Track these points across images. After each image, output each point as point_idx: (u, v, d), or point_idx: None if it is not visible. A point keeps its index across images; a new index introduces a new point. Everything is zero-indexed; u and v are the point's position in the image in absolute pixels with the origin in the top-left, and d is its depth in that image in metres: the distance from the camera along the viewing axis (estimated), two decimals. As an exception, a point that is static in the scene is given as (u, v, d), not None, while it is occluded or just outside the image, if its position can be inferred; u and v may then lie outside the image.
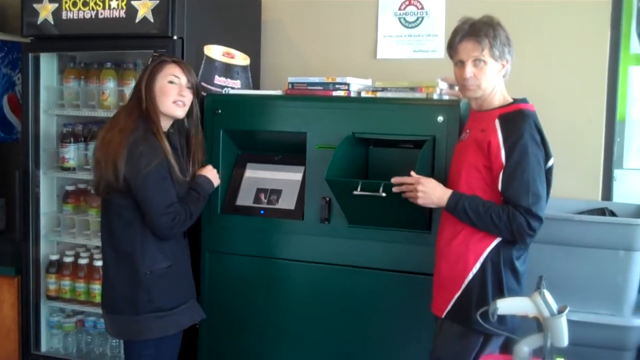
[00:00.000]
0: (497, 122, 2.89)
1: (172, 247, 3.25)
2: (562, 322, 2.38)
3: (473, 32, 2.93)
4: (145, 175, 3.07)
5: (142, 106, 3.18)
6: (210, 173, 3.47)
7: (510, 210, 2.82)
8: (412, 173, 3.07)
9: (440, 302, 3.05)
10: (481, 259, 2.91)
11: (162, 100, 3.21)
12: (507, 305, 2.53)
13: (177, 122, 3.32)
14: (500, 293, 2.87)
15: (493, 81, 2.96)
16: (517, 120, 2.88)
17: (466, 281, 2.94)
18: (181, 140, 3.34)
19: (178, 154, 3.28)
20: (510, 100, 3.01)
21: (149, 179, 3.08)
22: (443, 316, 3.02)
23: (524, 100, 3.00)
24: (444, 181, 3.12)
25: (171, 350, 3.30)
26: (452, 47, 3.03)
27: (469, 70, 2.94)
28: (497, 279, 2.90)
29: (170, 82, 3.22)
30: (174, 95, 3.22)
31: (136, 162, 3.07)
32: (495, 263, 2.90)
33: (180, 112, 3.27)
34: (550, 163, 2.92)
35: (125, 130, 3.12)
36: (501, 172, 2.85)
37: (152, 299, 3.18)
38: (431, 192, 3.01)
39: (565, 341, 2.38)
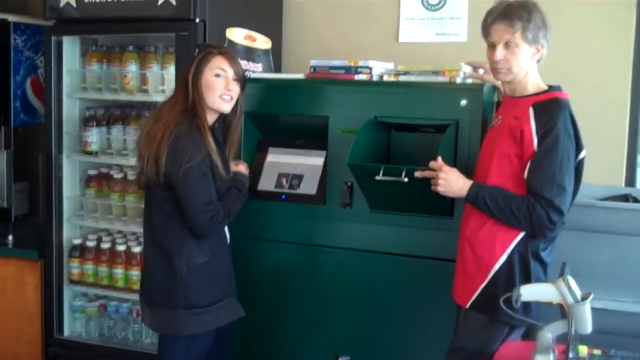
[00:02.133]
0: (531, 110, 2.84)
1: (212, 242, 3.22)
2: (586, 309, 2.37)
3: (506, 13, 2.87)
4: (186, 170, 3.03)
5: (187, 100, 3.14)
6: (241, 167, 3.44)
7: (530, 202, 2.78)
8: (439, 158, 3.03)
9: (464, 292, 3.03)
10: (509, 250, 2.88)
11: (209, 94, 3.16)
12: (530, 292, 2.52)
13: (221, 115, 3.28)
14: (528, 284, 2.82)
15: (526, 65, 2.90)
16: (552, 109, 2.83)
17: (492, 271, 2.91)
18: (223, 133, 3.33)
19: (222, 149, 3.25)
20: (545, 87, 2.94)
21: (189, 174, 3.04)
22: (467, 306, 3.00)
23: (559, 88, 2.94)
24: (467, 166, 3.09)
25: (202, 346, 3.28)
26: (484, 29, 2.98)
27: (500, 52, 2.89)
28: (525, 269, 2.87)
29: (217, 75, 3.17)
30: (220, 90, 3.18)
31: (178, 157, 3.04)
32: (523, 254, 2.87)
33: (227, 107, 3.23)
34: (581, 155, 2.87)
35: (170, 124, 3.08)
36: (530, 161, 2.81)
37: (187, 295, 3.16)
38: (453, 182, 2.98)
39: (589, 328, 2.38)
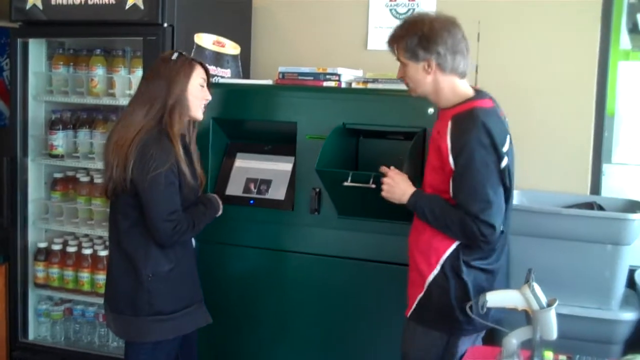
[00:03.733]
0: (449, 125, 2.78)
1: (177, 250, 3.19)
2: (552, 315, 2.39)
3: (389, 35, 2.89)
4: (153, 178, 3.00)
5: (166, 107, 3.08)
6: (218, 200, 3.43)
7: (462, 216, 2.74)
8: (388, 168, 3.04)
9: (409, 301, 3.00)
10: (441, 260, 2.85)
11: (195, 104, 3.15)
12: (496, 298, 2.54)
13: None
14: (465, 294, 2.80)
15: (424, 81, 2.84)
16: (465, 124, 2.75)
17: (428, 281, 2.88)
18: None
19: (189, 157, 3.21)
20: (470, 94, 2.85)
21: (155, 182, 3.01)
22: (408, 316, 2.98)
23: (481, 95, 2.86)
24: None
25: (169, 351, 3.25)
26: None
27: (398, 72, 2.91)
28: (459, 280, 2.82)
29: (201, 85, 3.18)
30: (203, 100, 3.19)
31: (145, 165, 3.00)
32: (455, 264, 2.82)
33: (202, 116, 3.24)
34: (504, 163, 2.74)
35: (142, 130, 3.04)
36: (451, 178, 2.79)
37: (152, 302, 3.13)
38: (396, 187, 2.98)
39: (554, 334, 2.40)
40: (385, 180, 3.01)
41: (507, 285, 3.00)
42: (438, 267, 2.86)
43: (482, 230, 2.71)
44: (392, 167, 3.05)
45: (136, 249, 3.14)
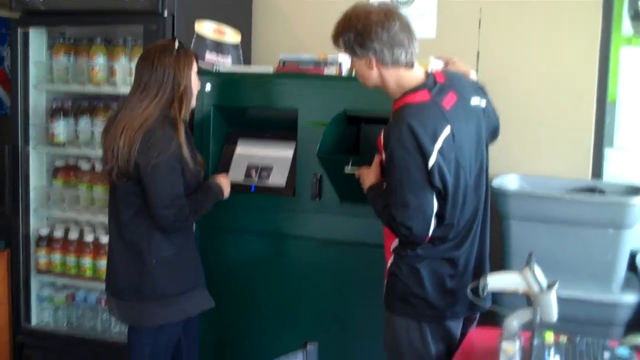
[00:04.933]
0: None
1: (179, 235, 3.23)
2: (552, 298, 2.39)
3: (332, 32, 2.87)
4: (155, 165, 3.04)
5: (174, 95, 3.14)
6: (223, 181, 3.47)
7: (388, 216, 2.75)
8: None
9: None
10: (391, 249, 2.89)
11: (194, 93, 3.25)
12: (496, 281, 2.54)
13: None
14: (418, 280, 2.81)
15: (370, 76, 2.82)
16: (392, 122, 2.74)
17: (387, 268, 2.93)
18: None
19: (192, 144, 3.26)
20: (409, 88, 2.78)
21: (158, 168, 3.05)
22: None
23: (413, 90, 2.77)
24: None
25: (171, 335, 3.30)
26: None
27: (350, 66, 2.90)
28: (409, 267, 2.83)
29: (197, 74, 3.26)
30: (197, 88, 3.29)
31: (149, 150, 3.04)
32: (403, 253, 2.83)
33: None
34: (430, 163, 2.64)
35: (150, 116, 3.09)
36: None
37: (155, 286, 3.17)
38: (364, 178, 3.03)
39: (554, 316, 2.40)
40: (362, 168, 3.07)
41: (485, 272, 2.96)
42: (392, 256, 2.89)
43: (400, 230, 2.71)
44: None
45: (140, 236, 3.18)
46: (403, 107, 2.72)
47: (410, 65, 2.79)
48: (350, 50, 2.80)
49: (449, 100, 2.76)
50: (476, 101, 2.91)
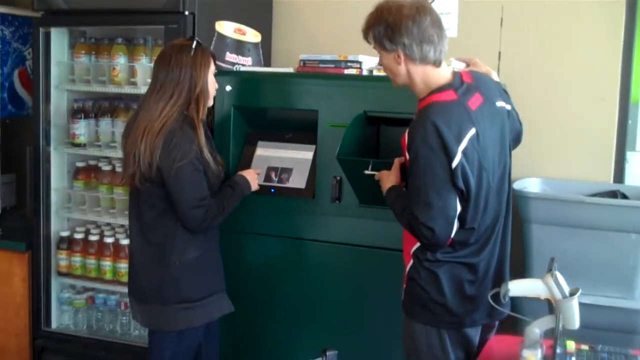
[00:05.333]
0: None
1: (203, 237, 3.24)
2: (574, 305, 2.37)
3: (363, 25, 2.85)
4: (179, 167, 3.05)
5: (191, 95, 3.15)
6: (250, 175, 3.49)
7: (409, 216, 2.71)
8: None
9: None
10: (411, 251, 2.86)
11: (212, 93, 3.26)
12: (519, 287, 2.52)
13: None
14: (437, 286, 2.78)
15: (398, 71, 2.80)
16: (416, 121, 2.71)
17: (406, 272, 2.90)
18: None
19: (212, 145, 3.27)
20: (435, 87, 2.76)
21: (182, 171, 3.06)
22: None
23: (440, 89, 2.74)
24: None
25: (192, 340, 3.31)
26: None
27: (378, 60, 2.88)
28: (428, 272, 2.80)
29: (213, 74, 3.27)
30: (214, 88, 3.30)
31: (171, 153, 3.05)
32: (423, 257, 2.80)
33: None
34: (454, 163, 2.62)
35: (170, 118, 3.09)
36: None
37: (179, 289, 3.18)
38: (383, 180, 3.03)
39: (576, 324, 2.38)
40: (378, 174, 3.08)
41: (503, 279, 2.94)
42: (411, 260, 2.86)
43: (422, 231, 2.67)
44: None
45: (163, 238, 3.19)
46: (429, 105, 2.71)
47: (438, 63, 2.77)
48: (379, 44, 2.78)
49: (474, 101, 2.75)
50: (501, 103, 2.89)
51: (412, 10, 2.71)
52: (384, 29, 2.73)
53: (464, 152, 2.64)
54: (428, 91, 2.76)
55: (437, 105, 2.69)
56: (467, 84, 2.78)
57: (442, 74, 2.79)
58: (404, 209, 2.76)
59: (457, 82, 2.77)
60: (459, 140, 2.63)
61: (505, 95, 2.98)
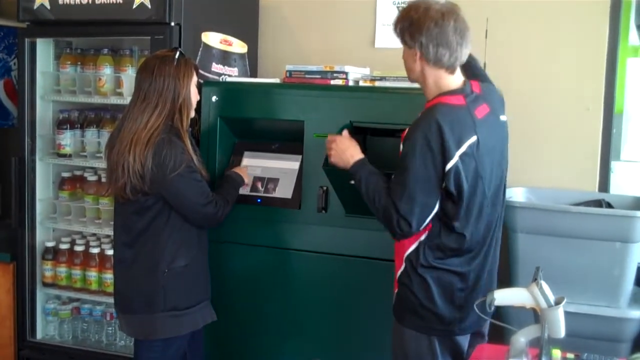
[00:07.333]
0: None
1: (192, 246, 3.26)
2: (559, 314, 2.38)
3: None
4: (176, 177, 3.09)
5: (175, 106, 3.17)
6: (240, 169, 3.57)
7: (388, 204, 2.74)
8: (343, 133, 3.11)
9: None
10: (404, 257, 2.86)
11: (193, 103, 3.28)
12: (504, 296, 2.53)
13: None
14: (428, 293, 2.80)
15: (414, 68, 2.84)
16: (422, 117, 2.76)
17: (397, 278, 2.92)
18: None
19: (197, 152, 3.29)
20: (445, 90, 2.81)
21: (181, 177, 3.11)
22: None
23: (450, 92, 2.79)
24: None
25: (178, 348, 3.32)
26: None
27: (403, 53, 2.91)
28: (420, 278, 2.82)
29: (195, 85, 3.30)
30: (196, 98, 3.32)
31: (164, 164, 3.07)
32: (416, 263, 2.81)
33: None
34: (449, 166, 2.67)
35: (157, 129, 3.10)
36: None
37: (168, 297, 3.19)
38: (341, 152, 3.04)
39: (562, 332, 2.38)
40: (332, 145, 3.08)
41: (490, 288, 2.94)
42: (402, 266, 2.87)
43: (399, 223, 2.72)
44: (344, 132, 3.11)
45: (153, 246, 3.20)
46: (436, 105, 2.75)
47: (452, 69, 2.82)
48: (402, 38, 2.83)
49: (481, 110, 2.80)
50: (504, 118, 2.96)
51: (439, 13, 2.75)
52: (409, 24, 2.78)
53: (462, 157, 2.68)
54: (438, 92, 2.80)
55: (444, 106, 2.74)
56: (477, 94, 2.84)
57: (454, 81, 2.84)
58: (381, 195, 2.79)
59: (468, 89, 2.83)
60: (458, 144, 2.68)
61: (504, 109, 3.04)
